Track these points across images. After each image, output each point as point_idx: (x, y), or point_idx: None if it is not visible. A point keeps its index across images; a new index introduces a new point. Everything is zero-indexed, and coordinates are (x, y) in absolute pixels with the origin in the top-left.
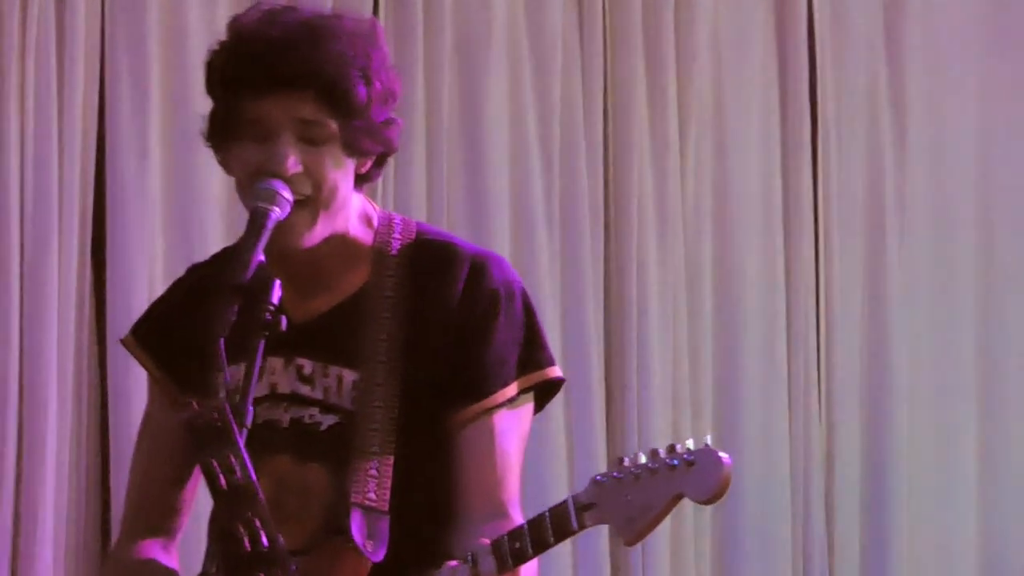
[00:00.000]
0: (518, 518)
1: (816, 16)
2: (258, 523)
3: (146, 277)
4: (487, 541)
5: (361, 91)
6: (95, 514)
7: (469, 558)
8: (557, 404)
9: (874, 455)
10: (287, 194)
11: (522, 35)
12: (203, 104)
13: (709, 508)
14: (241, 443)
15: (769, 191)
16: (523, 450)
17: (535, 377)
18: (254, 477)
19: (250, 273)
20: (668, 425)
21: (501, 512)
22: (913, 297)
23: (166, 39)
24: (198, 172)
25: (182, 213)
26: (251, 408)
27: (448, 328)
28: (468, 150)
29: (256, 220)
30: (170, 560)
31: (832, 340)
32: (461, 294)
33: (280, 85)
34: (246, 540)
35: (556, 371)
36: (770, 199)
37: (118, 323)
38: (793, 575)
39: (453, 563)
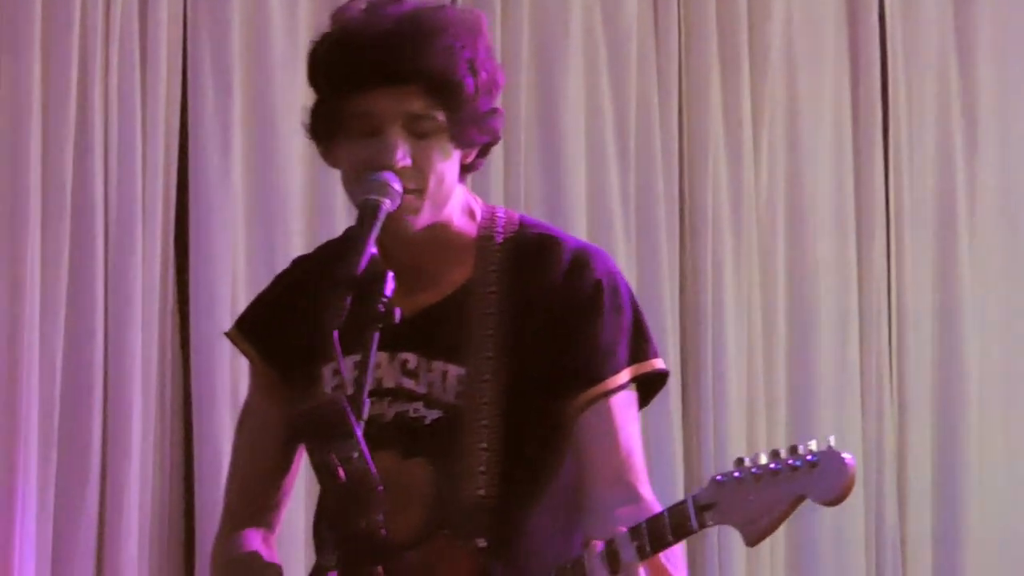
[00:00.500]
0: (651, 498)
1: (887, 14)
2: (379, 516)
3: (229, 271)
4: (622, 530)
5: (469, 83)
6: (179, 507)
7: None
8: None
9: (946, 453)
10: (397, 186)
11: (598, 29)
12: (285, 97)
13: (784, 537)
14: (360, 436)
15: (841, 190)
16: (638, 433)
17: (645, 367)
18: (374, 470)
19: (363, 266)
20: (743, 424)
21: (634, 495)
22: (984, 295)
23: (248, 31)
24: (280, 166)
25: (264, 207)
26: (367, 400)
27: (551, 318)
28: (545, 146)
29: (367, 212)
30: (271, 553)
31: (904, 339)
32: (562, 284)
33: (390, 80)
34: (366, 533)
35: (661, 363)
36: (842, 198)
37: (201, 317)
38: (866, 572)
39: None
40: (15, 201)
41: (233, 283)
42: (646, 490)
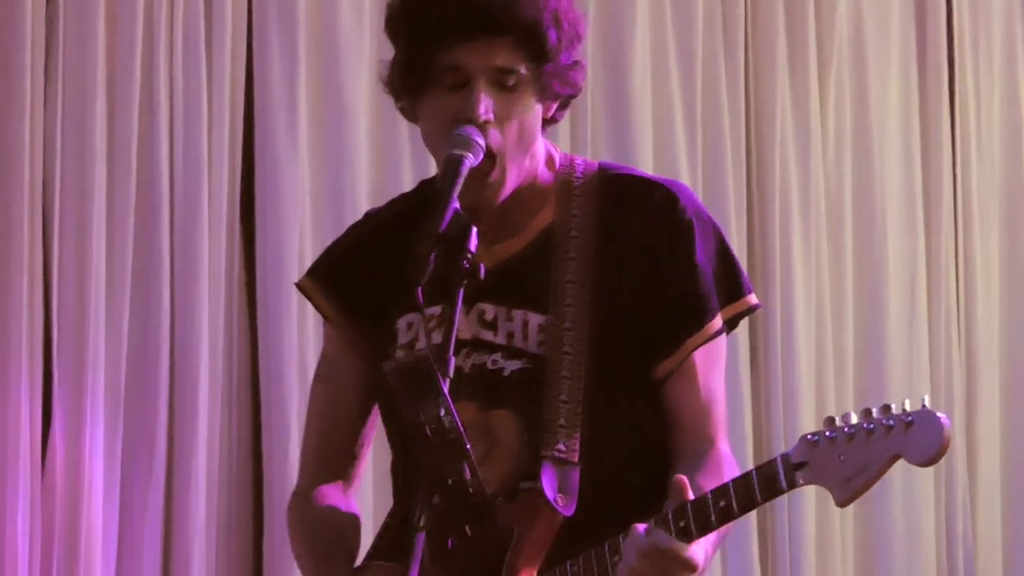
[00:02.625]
0: (727, 452)
1: (955, 8)
2: (467, 473)
3: (296, 234)
4: (689, 497)
5: (552, 35)
6: (247, 471)
7: (670, 516)
8: None
9: (1015, 450)
10: (481, 140)
11: (666, 12)
12: (351, 58)
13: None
14: (446, 391)
15: (909, 161)
16: (723, 379)
17: (738, 306)
18: (461, 426)
19: (446, 221)
20: (812, 387)
21: (709, 444)
22: None
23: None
24: (346, 126)
25: (331, 169)
26: (452, 357)
27: (643, 263)
28: (612, 106)
29: (451, 167)
30: (349, 504)
31: (971, 303)
32: (654, 225)
33: (479, 32)
34: (454, 490)
35: (754, 298)
36: (910, 167)
37: (268, 281)
38: (937, 561)
39: (642, 527)
40: (81, 167)
41: (300, 245)
42: (723, 443)
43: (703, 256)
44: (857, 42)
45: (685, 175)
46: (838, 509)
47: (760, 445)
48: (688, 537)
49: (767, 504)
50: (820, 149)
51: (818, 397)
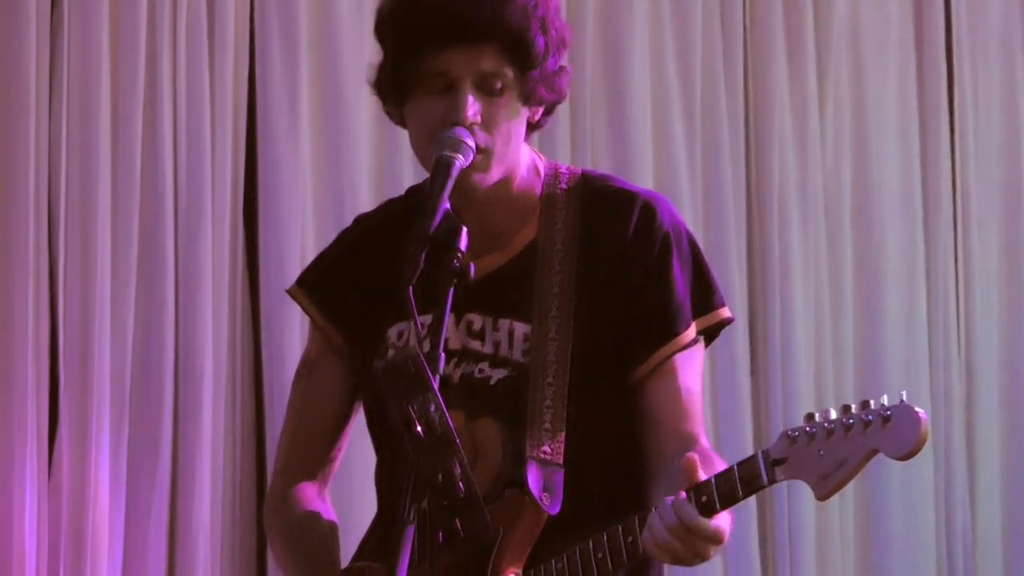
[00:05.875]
0: (706, 444)
1: (952, 4)
2: (457, 470)
3: (299, 240)
4: (683, 494)
5: (540, 42)
6: (250, 474)
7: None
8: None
9: (1015, 442)
10: (470, 142)
11: (665, 11)
12: (352, 65)
13: (853, 488)
14: (437, 390)
15: (909, 179)
16: (702, 384)
17: (711, 318)
18: (451, 424)
19: (437, 221)
20: (810, 377)
21: (693, 441)
22: None
23: (315, 3)
24: (347, 133)
25: (332, 175)
26: (443, 355)
27: (622, 274)
28: (611, 104)
29: (441, 168)
30: (327, 509)
31: (971, 291)
32: (632, 237)
33: (466, 38)
34: (443, 487)
35: (727, 312)
36: (910, 185)
37: (270, 286)
38: (937, 558)
39: (669, 500)
40: (86, 174)
41: (302, 248)
42: (704, 438)
43: (678, 268)
44: (855, 42)
45: (684, 177)
46: (838, 504)
47: (760, 435)
48: None
49: (768, 500)
50: (819, 150)
51: (817, 397)
